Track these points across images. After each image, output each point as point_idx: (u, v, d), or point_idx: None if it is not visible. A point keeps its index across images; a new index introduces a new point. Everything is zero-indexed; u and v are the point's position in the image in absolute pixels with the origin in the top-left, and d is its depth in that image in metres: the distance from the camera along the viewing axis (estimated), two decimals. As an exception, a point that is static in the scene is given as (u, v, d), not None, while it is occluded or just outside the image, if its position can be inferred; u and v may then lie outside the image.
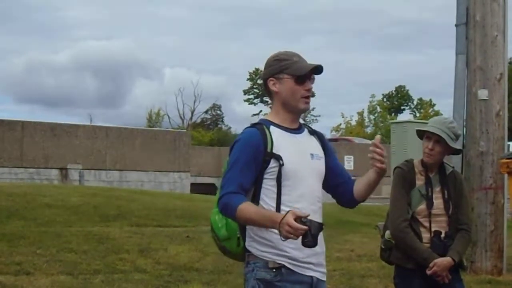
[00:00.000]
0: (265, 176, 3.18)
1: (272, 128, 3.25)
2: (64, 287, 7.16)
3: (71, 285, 7.24)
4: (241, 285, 7.49)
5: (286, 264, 3.15)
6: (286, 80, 3.25)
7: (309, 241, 2.95)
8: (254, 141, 3.18)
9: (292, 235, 2.91)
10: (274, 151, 3.18)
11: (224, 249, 3.36)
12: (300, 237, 2.94)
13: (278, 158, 3.17)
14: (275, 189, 3.18)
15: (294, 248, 3.13)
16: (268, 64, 3.32)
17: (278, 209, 3.16)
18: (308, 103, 3.29)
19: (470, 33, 8.87)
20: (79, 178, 24.66)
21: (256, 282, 3.17)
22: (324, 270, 3.30)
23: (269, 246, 3.16)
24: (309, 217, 2.95)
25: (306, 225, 2.92)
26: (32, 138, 24.44)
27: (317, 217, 3.23)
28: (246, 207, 3.07)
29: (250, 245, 3.21)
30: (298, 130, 3.33)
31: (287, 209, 3.09)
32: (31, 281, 7.25)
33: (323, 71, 3.30)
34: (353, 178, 3.46)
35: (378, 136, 3.24)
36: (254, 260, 3.19)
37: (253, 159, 3.16)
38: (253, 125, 3.31)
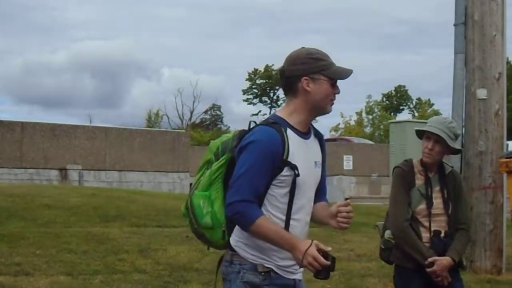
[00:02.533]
0: (274, 182, 3.04)
1: (288, 131, 3.08)
2: (63, 287, 7.17)
3: (70, 285, 7.24)
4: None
5: (274, 268, 3.09)
6: (323, 81, 3.11)
7: (324, 276, 2.95)
8: (275, 146, 3.02)
9: (311, 267, 2.90)
10: (289, 159, 3.03)
11: (202, 236, 3.17)
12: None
13: (294, 168, 3.03)
14: (282, 198, 3.07)
15: (282, 258, 3.08)
16: (301, 61, 3.11)
17: (287, 221, 3.08)
18: (332, 105, 3.21)
19: (468, 33, 8.87)
20: (78, 178, 24.65)
21: (244, 285, 3.08)
22: (302, 270, 3.22)
23: (258, 251, 3.08)
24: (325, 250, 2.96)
25: (328, 261, 2.92)
26: (31, 138, 24.43)
27: (307, 229, 3.22)
28: (264, 224, 2.97)
29: (238, 245, 3.10)
30: (308, 134, 3.20)
31: (291, 222, 3.08)
32: (30, 281, 7.26)
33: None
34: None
35: (348, 201, 3.17)
36: (240, 261, 3.09)
37: (270, 163, 3.00)
38: (270, 124, 3.10)
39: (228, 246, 3.13)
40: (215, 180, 3.11)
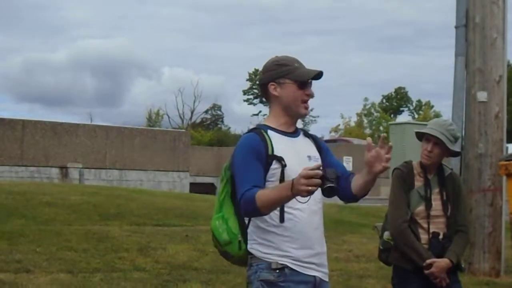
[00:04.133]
0: (267, 178, 3.19)
1: (270, 132, 3.27)
2: (63, 285, 7.18)
3: (70, 283, 7.26)
4: (239, 284, 7.54)
5: (289, 265, 3.16)
6: (288, 85, 3.28)
7: (330, 186, 2.89)
8: (255, 144, 3.20)
9: (310, 187, 2.85)
10: (275, 153, 3.19)
11: (226, 254, 3.36)
12: (319, 192, 2.92)
13: (280, 159, 3.18)
14: None
15: (296, 248, 3.16)
16: (268, 69, 3.34)
17: (282, 210, 3.17)
18: (307, 108, 3.34)
19: (469, 35, 8.89)
20: (79, 177, 24.67)
21: (260, 284, 3.17)
22: (327, 270, 3.32)
23: (271, 248, 3.18)
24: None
25: (323, 174, 2.87)
26: (32, 137, 24.46)
27: (317, 218, 3.27)
28: (261, 193, 3.04)
29: (253, 247, 3.23)
30: (294, 133, 3.35)
31: (288, 209, 3.15)
32: (30, 279, 7.27)
33: (323, 76, 3.32)
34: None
35: (384, 135, 3.15)
36: (257, 262, 3.21)
37: (258, 160, 3.17)
38: (251, 130, 3.33)
39: (247, 252, 3.26)
40: (224, 200, 3.32)
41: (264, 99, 3.44)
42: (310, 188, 2.86)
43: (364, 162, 3.16)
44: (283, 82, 3.29)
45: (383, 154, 3.06)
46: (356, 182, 3.26)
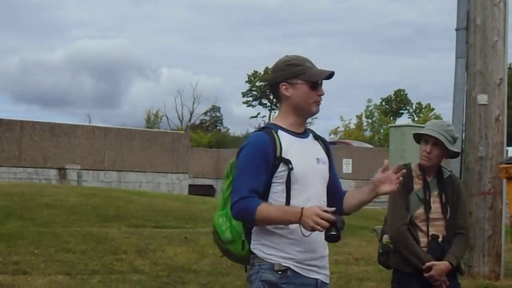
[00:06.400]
0: (274, 180, 3.20)
1: (280, 132, 3.26)
2: (61, 287, 7.17)
3: (68, 285, 7.24)
4: (238, 287, 7.51)
5: (292, 267, 3.18)
6: (300, 85, 3.27)
7: (335, 235, 3.00)
8: (264, 145, 3.20)
9: (319, 227, 2.98)
10: (283, 155, 3.20)
11: (227, 252, 3.34)
12: (323, 232, 3.01)
13: (288, 162, 3.19)
14: (283, 193, 3.20)
15: (299, 251, 3.18)
16: (279, 68, 3.32)
17: None
18: (319, 105, 3.32)
19: (470, 38, 8.87)
20: (77, 178, 24.64)
21: (261, 284, 3.18)
22: (328, 272, 3.33)
23: (275, 249, 3.18)
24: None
25: (334, 219, 2.99)
26: (31, 138, 24.45)
27: None
28: (264, 207, 3.10)
29: (256, 247, 3.22)
30: (304, 134, 3.35)
31: None
32: (28, 280, 7.26)
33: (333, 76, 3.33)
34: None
35: (386, 161, 3.30)
36: (259, 262, 3.21)
37: (263, 162, 3.17)
38: (261, 129, 3.32)
39: (250, 252, 3.26)
40: (228, 198, 3.29)
41: (273, 99, 3.41)
42: (317, 226, 2.99)
43: (372, 180, 3.28)
44: (295, 83, 3.27)
45: (394, 177, 3.23)
46: (351, 201, 3.40)
